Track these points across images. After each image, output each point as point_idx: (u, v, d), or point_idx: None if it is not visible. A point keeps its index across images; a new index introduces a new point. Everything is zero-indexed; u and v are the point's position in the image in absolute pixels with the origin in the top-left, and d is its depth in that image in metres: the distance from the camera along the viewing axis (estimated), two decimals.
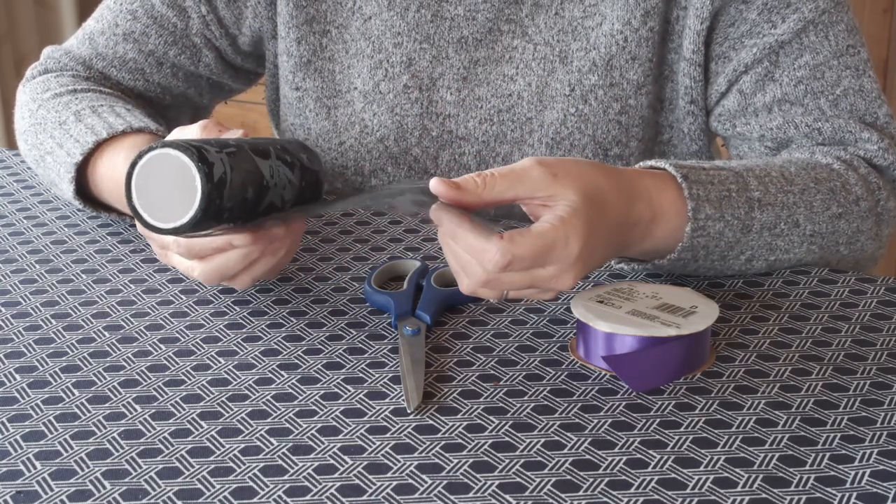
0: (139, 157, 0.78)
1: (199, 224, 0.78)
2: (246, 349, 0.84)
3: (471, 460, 0.70)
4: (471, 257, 0.78)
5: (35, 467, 0.70)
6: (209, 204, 0.77)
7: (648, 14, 1.05)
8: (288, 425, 0.74)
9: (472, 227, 0.77)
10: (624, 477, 0.69)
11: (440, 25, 1.09)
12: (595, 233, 0.79)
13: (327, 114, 1.13)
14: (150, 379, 0.80)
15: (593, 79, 1.07)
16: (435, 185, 0.77)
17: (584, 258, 0.78)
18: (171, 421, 0.75)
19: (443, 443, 0.72)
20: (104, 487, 0.68)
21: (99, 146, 1.02)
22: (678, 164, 0.89)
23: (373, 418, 0.75)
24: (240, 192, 0.80)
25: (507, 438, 0.73)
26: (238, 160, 0.80)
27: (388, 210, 0.92)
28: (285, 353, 0.83)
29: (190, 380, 0.80)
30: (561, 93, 1.07)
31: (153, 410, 0.76)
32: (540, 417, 0.75)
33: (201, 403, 0.77)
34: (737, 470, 0.69)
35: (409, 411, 0.76)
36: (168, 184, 0.77)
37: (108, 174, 1.00)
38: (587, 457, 0.71)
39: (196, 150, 0.77)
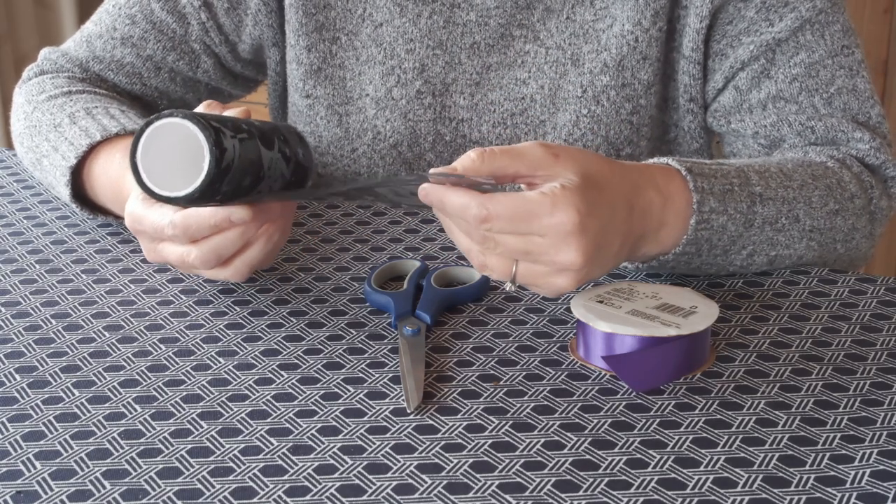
0: (157, 118, 0.79)
1: (193, 201, 0.78)
2: (246, 349, 0.84)
3: (471, 460, 0.70)
4: (460, 217, 0.77)
5: (35, 467, 0.70)
6: (210, 186, 0.78)
7: (657, 14, 1.05)
8: (288, 425, 0.74)
9: (455, 189, 0.76)
10: (624, 477, 0.69)
11: (452, 31, 1.09)
12: (595, 211, 0.77)
13: (339, 121, 1.13)
14: (150, 379, 0.80)
15: (605, 80, 1.07)
16: (435, 173, 0.77)
17: (584, 232, 0.76)
18: (171, 421, 0.75)
19: (443, 443, 0.72)
20: (104, 487, 0.68)
21: (93, 148, 1.01)
22: (680, 159, 0.89)
23: (373, 418, 0.75)
24: (239, 179, 0.80)
25: (507, 438, 0.73)
26: (246, 148, 0.80)
27: (371, 200, 0.90)
28: (285, 353, 0.83)
29: (190, 380, 0.80)
30: (573, 95, 1.08)
31: (153, 410, 0.76)
32: (540, 417, 0.75)
33: (201, 403, 0.77)
34: (737, 470, 0.69)
35: (409, 411, 0.76)
36: (175, 153, 0.78)
37: (103, 174, 1.00)
38: (587, 457, 0.71)
39: (214, 132, 0.77)
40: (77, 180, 1.03)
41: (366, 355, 0.83)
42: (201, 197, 0.78)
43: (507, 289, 0.79)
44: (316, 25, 1.12)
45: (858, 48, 1.06)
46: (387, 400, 0.77)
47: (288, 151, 0.86)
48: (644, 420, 0.75)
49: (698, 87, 1.08)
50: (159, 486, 0.68)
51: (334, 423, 0.74)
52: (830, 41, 1.04)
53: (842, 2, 1.06)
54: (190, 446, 0.72)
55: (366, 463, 0.70)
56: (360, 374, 0.80)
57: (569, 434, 0.73)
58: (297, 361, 0.82)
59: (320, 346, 0.84)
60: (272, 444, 0.72)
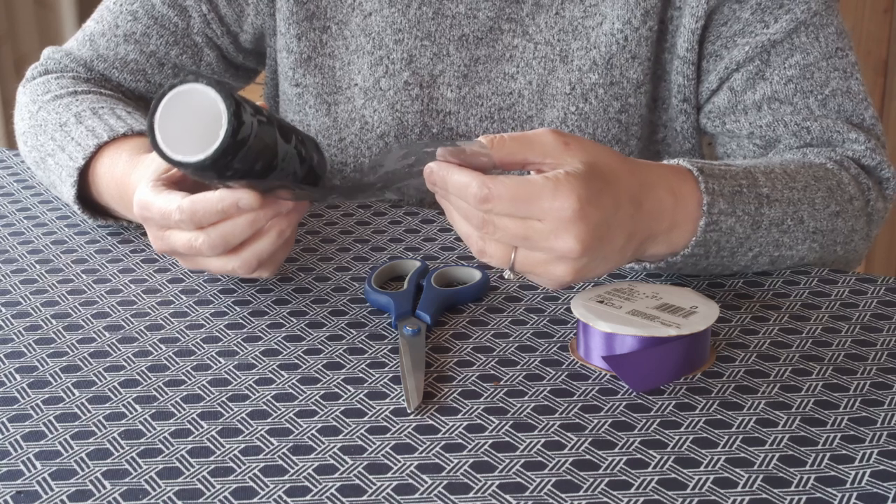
0: (181, 81, 0.78)
1: (204, 170, 0.78)
2: (246, 349, 0.84)
3: (471, 460, 0.70)
4: (461, 198, 0.77)
5: (35, 467, 0.70)
6: (221, 157, 0.77)
7: (648, 13, 1.05)
8: (288, 425, 0.74)
9: (459, 168, 0.76)
10: (624, 477, 0.69)
11: (441, 23, 1.09)
12: (598, 201, 0.77)
13: (327, 110, 1.14)
14: (150, 379, 0.80)
15: (594, 77, 1.07)
16: (441, 153, 0.77)
17: (584, 220, 0.76)
18: (171, 421, 0.75)
19: (443, 443, 0.72)
20: (104, 487, 0.68)
21: (99, 148, 1.01)
22: (691, 159, 0.89)
23: (373, 418, 0.75)
24: (251, 160, 0.79)
25: (507, 438, 0.73)
26: (263, 131, 0.80)
27: (377, 191, 0.91)
28: (285, 353, 0.83)
29: (190, 380, 0.80)
30: (561, 91, 1.07)
31: (153, 410, 0.76)
32: (540, 417, 0.75)
33: (201, 403, 0.77)
34: (737, 470, 0.69)
35: (409, 411, 0.76)
36: (194, 119, 0.77)
37: (108, 173, 1.00)
38: (587, 457, 0.71)
39: (235, 103, 0.77)
40: (81, 181, 1.03)
41: (366, 355, 0.83)
42: (212, 166, 0.78)
43: (506, 277, 0.79)
44: (306, 14, 1.12)
45: (852, 50, 1.07)
46: (387, 400, 0.77)
47: (304, 152, 0.86)
48: (644, 420, 0.75)
49: (692, 87, 1.08)
50: (159, 486, 0.68)
51: (334, 423, 0.74)
52: (825, 43, 1.05)
53: (836, 4, 1.06)
54: (190, 446, 0.72)
55: (366, 463, 0.70)
56: (361, 374, 0.80)
57: (569, 434, 0.73)
58: (297, 361, 0.82)
59: (320, 346, 0.84)
60: (272, 444, 0.72)
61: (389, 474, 0.69)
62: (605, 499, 0.67)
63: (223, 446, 0.72)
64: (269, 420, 0.75)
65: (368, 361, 0.82)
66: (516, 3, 1.08)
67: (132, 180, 0.95)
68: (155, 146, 0.79)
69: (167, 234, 0.85)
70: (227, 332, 0.86)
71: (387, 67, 1.11)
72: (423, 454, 0.71)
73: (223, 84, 0.79)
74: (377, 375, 0.80)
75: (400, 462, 0.70)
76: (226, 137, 0.77)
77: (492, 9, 1.08)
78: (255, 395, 0.78)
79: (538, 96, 1.08)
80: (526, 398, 0.77)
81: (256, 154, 0.79)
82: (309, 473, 0.69)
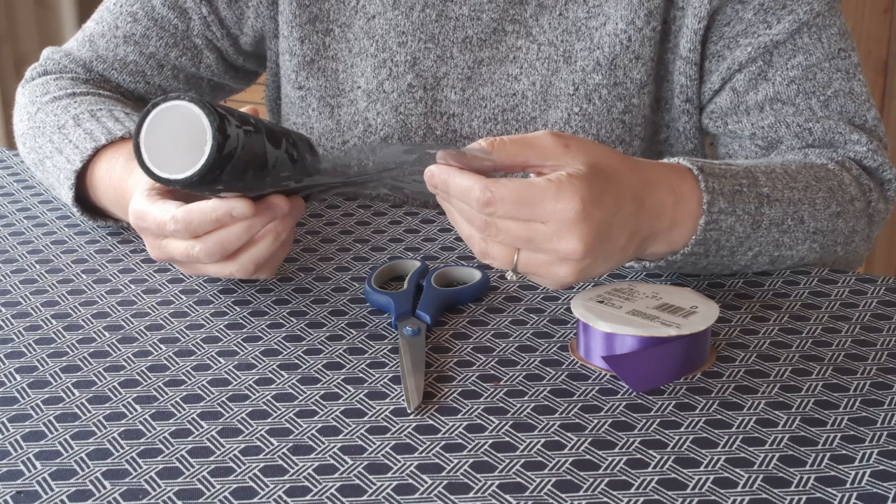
0: (163, 99, 0.78)
1: (192, 185, 0.78)
2: (246, 349, 0.84)
3: (471, 460, 0.70)
4: (463, 200, 0.77)
5: (35, 467, 0.70)
6: (209, 173, 0.77)
7: (651, 14, 1.05)
8: (288, 425, 0.74)
9: (461, 171, 0.76)
10: (624, 477, 0.69)
11: (445, 25, 1.09)
12: (601, 202, 0.77)
13: (330, 113, 1.14)
14: (150, 379, 0.80)
15: (597, 78, 1.07)
16: (442, 156, 0.77)
17: (587, 221, 0.76)
18: (171, 421, 0.75)
19: (443, 443, 0.72)
20: (104, 487, 0.68)
21: (97, 151, 1.01)
22: (691, 158, 0.89)
23: (373, 418, 0.75)
24: (240, 171, 0.80)
25: (507, 438, 0.73)
26: (251, 140, 0.80)
27: (373, 187, 0.91)
28: (285, 353, 0.83)
29: (190, 380, 0.80)
30: (565, 92, 1.08)
31: (153, 410, 0.76)
32: (540, 417, 0.75)
33: (201, 403, 0.77)
34: (737, 470, 0.69)
35: (409, 411, 0.76)
36: (179, 136, 0.78)
37: (106, 177, 1.00)
38: (587, 457, 0.71)
39: (218, 118, 0.77)
40: (79, 183, 1.03)
41: (366, 355, 0.83)
42: (201, 182, 0.78)
43: (508, 277, 0.79)
44: (309, 17, 1.12)
45: (854, 51, 1.07)
46: (387, 400, 0.77)
47: (296, 155, 0.86)
48: (644, 420, 0.75)
49: (695, 87, 1.08)
50: (159, 486, 0.68)
51: (334, 423, 0.74)
52: (827, 44, 1.05)
53: (838, 5, 1.06)
54: (190, 446, 0.72)
55: (366, 463, 0.70)
56: (361, 374, 0.80)
57: (569, 434, 0.73)
58: (297, 361, 0.82)
59: (320, 346, 0.84)
60: (272, 444, 0.72)
61: (389, 474, 0.69)
62: (605, 499, 0.67)
63: (223, 446, 0.72)
64: (269, 420, 0.75)
65: (368, 361, 0.82)
66: (520, 4, 1.08)
67: (129, 185, 0.95)
68: (142, 164, 0.79)
69: (164, 243, 0.85)
70: (227, 332, 0.87)
71: (390, 70, 1.11)
72: (423, 454, 0.71)
73: (205, 100, 0.79)
74: (377, 375, 0.80)
75: (400, 462, 0.70)
76: (211, 153, 0.77)
77: (495, 10, 1.08)
78: (255, 395, 0.78)
79: (542, 97, 1.08)
80: (526, 398, 0.77)
81: (245, 164, 0.80)
82: (309, 473, 0.69)
